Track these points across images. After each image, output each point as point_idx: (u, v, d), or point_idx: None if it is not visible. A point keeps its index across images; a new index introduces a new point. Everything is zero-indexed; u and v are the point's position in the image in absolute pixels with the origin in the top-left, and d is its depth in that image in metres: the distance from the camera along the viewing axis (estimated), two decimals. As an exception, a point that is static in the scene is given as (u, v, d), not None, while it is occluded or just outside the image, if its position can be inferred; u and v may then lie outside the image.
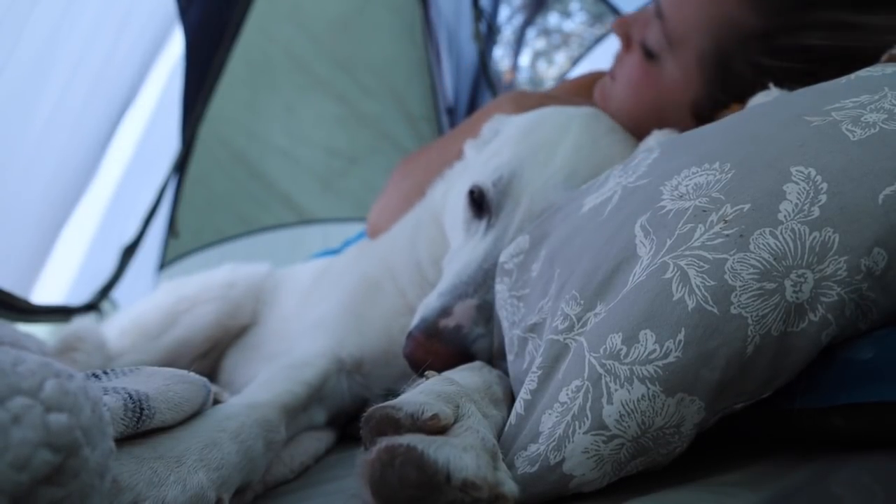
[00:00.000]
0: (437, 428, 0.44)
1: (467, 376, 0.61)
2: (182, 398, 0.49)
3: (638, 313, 0.48)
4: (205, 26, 2.12)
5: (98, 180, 1.82)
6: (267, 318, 1.24)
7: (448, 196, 0.95)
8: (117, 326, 1.22)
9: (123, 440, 0.44)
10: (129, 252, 2.03)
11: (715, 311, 0.46)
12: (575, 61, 2.59)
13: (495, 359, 0.70)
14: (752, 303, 0.45)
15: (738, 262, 0.46)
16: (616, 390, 0.46)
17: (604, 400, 0.46)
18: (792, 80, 0.72)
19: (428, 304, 0.74)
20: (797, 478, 0.44)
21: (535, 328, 0.61)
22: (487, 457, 0.42)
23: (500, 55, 2.82)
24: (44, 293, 1.68)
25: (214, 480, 0.47)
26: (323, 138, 2.44)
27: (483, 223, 0.81)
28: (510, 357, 0.64)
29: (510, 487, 0.41)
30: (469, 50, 2.58)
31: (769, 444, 0.52)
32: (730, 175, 0.52)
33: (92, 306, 1.88)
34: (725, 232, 0.48)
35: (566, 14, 2.83)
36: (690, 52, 0.86)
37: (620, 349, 0.47)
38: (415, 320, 0.74)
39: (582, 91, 1.24)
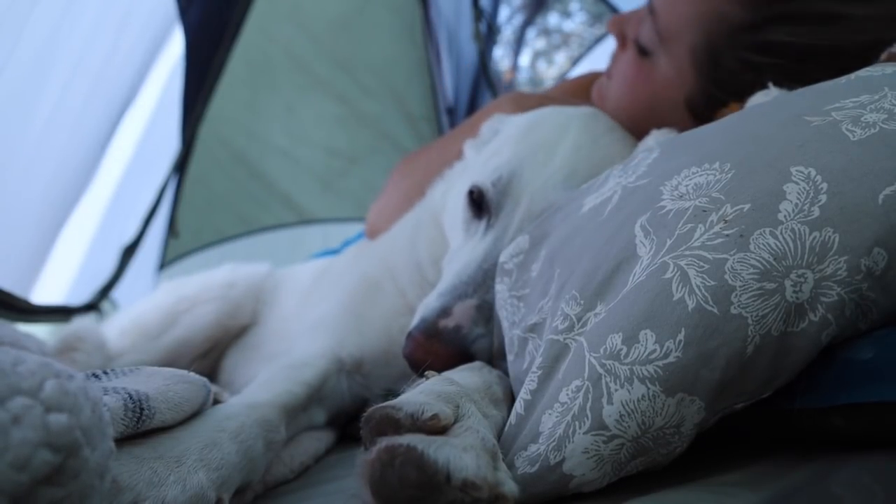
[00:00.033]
0: (437, 428, 0.44)
1: (467, 376, 0.61)
2: (182, 398, 0.49)
3: (638, 313, 0.48)
4: (205, 26, 2.12)
5: (98, 180, 1.82)
6: (267, 319, 1.24)
7: (448, 196, 0.95)
8: (117, 326, 1.22)
9: (123, 440, 0.44)
10: (129, 252, 2.03)
11: (715, 311, 0.46)
12: (575, 61, 2.60)
13: (495, 359, 0.70)
14: (753, 303, 0.45)
15: (738, 262, 0.46)
16: (616, 390, 0.46)
17: (604, 400, 0.46)
18: (781, 76, 0.73)
19: (427, 305, 0.74)
20: (797, 478, 0.44)
21: (535, 328, 0.61)
22: (487, 457, 0.42)
23: (500, 55, 2.82)
24: (44, 293, 1.68)
25: (214, 480, 0.47)
26: (323, 138, 2.44)
27: (483, 223, 0.81)
28: (510, 357, 0.64)
29: (510, 487, 0.41)
30: (469, 50, 2.58)
31: (769, 444, 0.52)
32: (730, 175, 0.52)
33: (92, 306, 1.88)
34: (725, 232, 0.48)
35: (566, 14, 2.83)
36: (682, 47, 0.86)
37: (620, 349, 0.47)
38: (414, 320, 0.74)
39: (581, 91, 1.24)
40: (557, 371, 0.52)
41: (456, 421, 0.46)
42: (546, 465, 0.47)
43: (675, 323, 0.46)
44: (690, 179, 0.54)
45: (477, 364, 0.67)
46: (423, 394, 0.47)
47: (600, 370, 0.48)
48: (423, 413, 0.44)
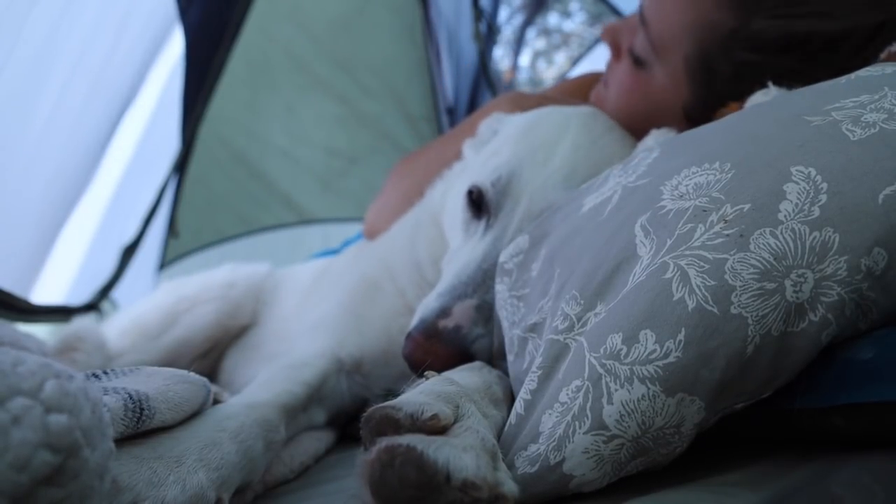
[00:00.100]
0: (436, 428, 0.44)
1: (467, 376, 0.61)
2: (182, 398, 0.49)
3: (638, 313, 0.48)
4: (205, 26, 2.12)
5: (98, 180, 1.82)
6: (267, 319, 1.24)
7: (447, 196, 0.95)
8: (117, 326, 1.22)
9: (123, 440, 0.44)
10: (129, 252, 2.03)
11: (715, 310, 0.46)
12: (575, 61, 2.60)
13: (495, 359, 0.70)
14: (753, 303, 0.45)
15: (738, 261, 0.46)
16: (616, 390, 0.46)
17: (604, 400, 0.46)
18: (773, 73, 0.73)
19: (427, 305, 0.74)
20: (797, 478, 0.44)
21: (535, 328, 0.61)
22: (487, 457, 0.42)
23: (500, 55, 2.82)
24: (44, 293, 1.68)
25: (214, 480, 0.47)
26: (323, 138, 2.44)
27: (482, 223, 0.81)
28: (510, 357, 0.64)
29: (510, 487, 0.41)
30: (469, 50, 2.58)
31: (769, 444, 0.52)
32: (730, 175, 0.52)
33: (92, 306, 1.88)
34: (726, 232, 0.48)
35: (566, 14, 2.83)
36: (676, 57, 0.86)
37: (620, 349, 0.47)
38: (414, 321, 0.74)
39: (580, 91, 1.24)
40: (557, 371, 0.52)
41: (456, 421, 0.46)
42: (546, 465, 0.47)
43: (675, 323, 0.46)
44: (690, 179, 0.54)
45: (477, 364, 0.67)
46: (423, 394, 0.47)
47: (600, 370, 0.48)
48: (422, 413, 0.44)
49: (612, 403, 0.46)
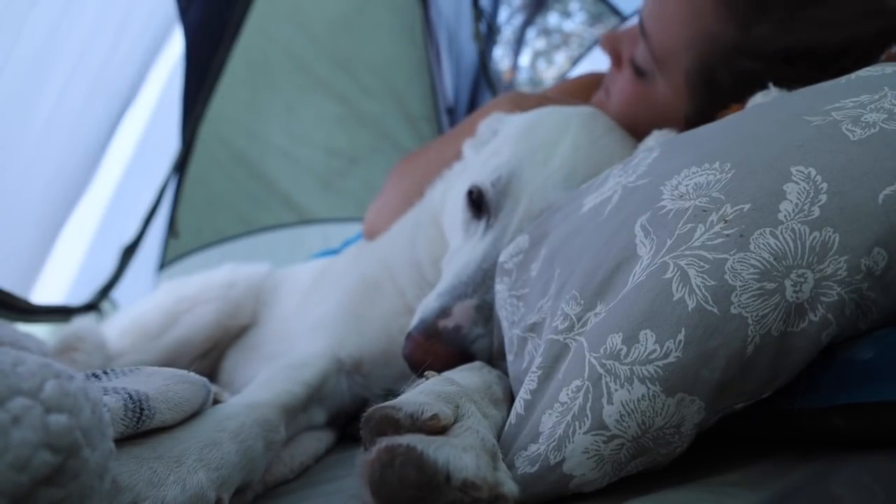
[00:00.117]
0: (436, 428, 0.44)
1: (467, 376, 0.61)
2: (182, 398, 0.49)
3: (638, 313, 0.48)
4: (205, 26, 2.12)
5: (98, 180, 1.82)
6: (267, 319, 1.24)
7: (447, 196, 0.95)
8: (117, 326, 1.22)
9: (123, 440, 0.44)
10: (129, 252, 2.04)
11: (715, 311, 0.46)
12: (575, 61, 2.60)
13: (495, 359, 0.70)
14: (753, 303, 0.45)
15: (738, 261, 0.46)
16: (616, 390, 0.46)
17: (604, 400, 0.46)
18: (775, 79, 0.73)
19: (427, 305, 0.74)
20: (797, 478, 0.44)
21: (534, 328, 0.61)
22: (487, 457, 0.42)
23: (500, 55, 2.82)
24: (44, 293, 1.68)
25: (214, 480, 0.47)
26: (323, 138, 2.44)
27: (482, 223, 0.81)
28: (510, 357, 0.64)
29: (510, 487, 0.41)
30: (469, 50, 2.58)
31: (769, 444, 0.52)
32: (730, 175, 0.52)
33: (92, 306, 1.88)
34: (726, 232, 0.48)
35: (566, 14, 2.83)
36: (678, 69, 0.85)
37: (621, 349, 0.47)
38: (414, 321, 0.74)
39: (580, 91, 1.24)
40: (557, 371, 0.52)
41: (456, 421, 0.46)
42: (546, 465, 0.47)
43: (675, 323, 0.46)
44: (690, 179, 0.54)
45: (477, 364, 0.67)
46: (423, 394, 0.47)
47: (600, 370, 0.48)
48: (422, 413, 0.44)
49: (612, 403, 0.46)
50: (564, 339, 0.54)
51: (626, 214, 0.56)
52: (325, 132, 2.44)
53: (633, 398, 0.45)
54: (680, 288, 0.47)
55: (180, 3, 1.89)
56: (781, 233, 0.47)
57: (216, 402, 0.57)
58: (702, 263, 0.47)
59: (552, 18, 2.87)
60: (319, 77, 2.37)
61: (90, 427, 0.35)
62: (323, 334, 0.93)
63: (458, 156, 1.04)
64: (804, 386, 0.47)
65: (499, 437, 0.53)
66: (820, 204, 0.47)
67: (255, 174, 2.41)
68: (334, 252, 1.60)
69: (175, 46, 2.01)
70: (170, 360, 1.15)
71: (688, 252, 0.49)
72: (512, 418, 0.54)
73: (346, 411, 0.88)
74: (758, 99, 0.71)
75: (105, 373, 0.49)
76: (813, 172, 0.49)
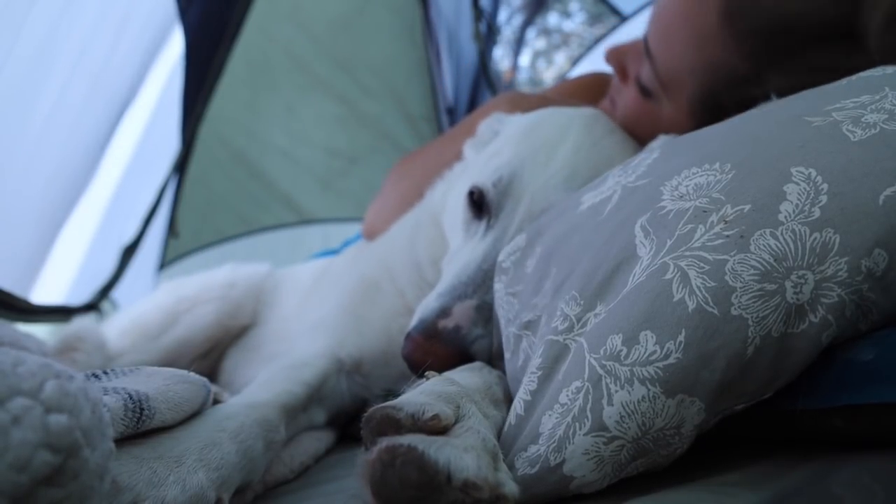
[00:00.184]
0: (437, 428, 0.44)
1: (467, 377, 0.61)
2: (182, 398, 0.49)
3: (638, 314, 0.48)
4: (205, 26, 2.12)
5: (98, 180, 1.82)
6: (267, 319, 1.24)
7: (448, 196, 0.95)
8: (117, 326, 1.22)
9: (123, 440, 0.44)
10: (129, 252, 2.04)
11: (715, 312, 0.46)
12: (575, 61, 2.60)
13: (495, 359, 0.70)
14: (753, 304, 0.45)
15: (738, 262, 0.46)
16: (616, 391, 0.46)
17: (604, 401, 0.46)
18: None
19: (427, 305, 0.74)
20: (797, 478, 0.44)
21: (529, 325, 0.61)
22: (488, 457, 0.42)
23: (500, 55, 2.82)
24: (44, 293, 1.68)
25: (214, 480, 0.47)
26: (323, 138, 2.44)
27: (483, 224, 0.81)
28: (507, 355, 0.64)
29: (511, 488, 0.41)
30: (469, 50, 2.58)
31: (769, 444, 0.52)
32: (730, 175, 0.52)
33: (92, 306, 1.88)
34: (726, 233, 0.48)
35: (566, 14, 2.83)
36: (683, 94, 0.85)
37: (621, 350, 0.47)
38: (413, 321, 0.74)
39: (580, 92, 1.24)
40: (557, 372, 0.52)
41: (457, 421, 0.46)
42: (546, 466, 0.47)
43: (675, 324, 0.46)
44: (691, 180, 0.54)
45: (477, 364, 0.67)
46: (424, 394, 0.47)
47: (600, 371, 0.48)
48: (423, 413, 0.43)
49: (613, 405, 0.46)
50: (564, 339, 0.54)
51: (625, 214, 0.56)
52: (325, 132, 2.44)
53: (634, 399, 0.45)
54: (680, 289, 0.47)
55: (180, 3, 1.89)
56: (782, 234, 0.47)
57: (216, 402, 0.57)
58: (702, 264, 0.47)
59: (552, 18, 2.87)
60: (319, 77, 2.37)
61: (90, 427, 0.35)
62: (323, 334, 0.93)
63: (457, 156, 1.04)
64: (804, 387, 0.47)
65: (498, 438, 0.53)
66: (820, 205, 0.47)
67: (255, 174, 2.41)
68: (334, 252, 1.60)
69: (175, 46, 2.01)
70: (170, 360, 1.15)
71: (688, 253, 0.49)
72: (511, 419, 0.54)
73: (346, 411, 0.88)
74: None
75: (105, 373, 0.49)
76: (813, 173, 0.49)
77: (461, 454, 0.40)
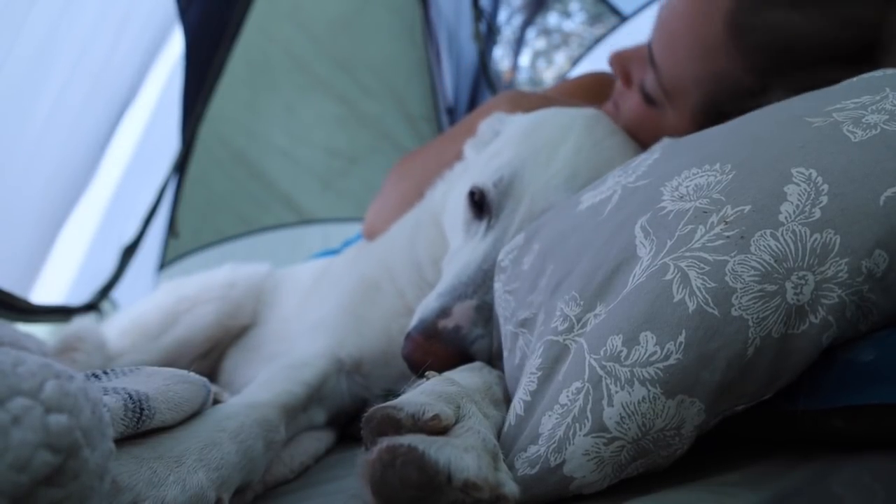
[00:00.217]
0: (438, 428, 0.44)
1: (467, 377, 0.61)
2: (182, 398, 0.49)
3: (638, 315, 0.48)
4: (205, 26, 2.12)
5: (98, 180, 1.82)
6: (267, 319, 1.24)
7: (448, 197, 0.95)
8: (117, 326, 1.22)
9: (123, 440, 0.44)
10: (129, 252, 2.04)
11: (716, 312, 0.46)
12: (575, 61, 2.60)
13: (495, 359, 0.70)
14: (753, 305, 0.45)
15: (738, 263, 0.46)
16: (616, 392, 0.46)
17: (604, 402, 0.46)
18: None
19: (427, 305, 0.74)
20: (797, 478, 0.44)
21: (525, 323, 0.61)
22: (489, 457, 0.42)
23: (500, 55, 2.82)
24: (44, 293, 1.68)
25: (214, 480, 0.47)
26: (323, 138, 2.44)
27: (483, 224, 0.81)
28: (505, 354, 0.64)
29: (511, 488, 0.41)
30: (469, 50, 2.58)
31: (769, 444, 0.52)
32: (730, 176, 0.52)
33: (92, 306, 1.88)
34: (726, 233, 0.48)
35: (566, 14, 2.83)
36: (687, 104, 0.84)
37: (621, 351, 0.47)
38: (413, 321, 0.74)
39: (580, 92, 1.24)
40: (557, 372, 0.52)
41: (457, 421, 0.46)
42: (546, 466, 0.47)
43: (675, 325, 0.46)
44: (691, 180, 0.54)
45: (477, 364, 0.67)
46: (424, 394, 0.47)
47: (600, 372, 0.48)
48: (424, 413, 0.43)
49: (613, 405, 0.46)
50: (564, 340, 0.54)
51: (625, 215, 0.56)
52: (325, 132, 2.44)
53: (634, 400, 0.45)
54: (680, 289, 0.47)
55: (180, 3, 1.89)
56: (782, 234, 0.47)
57: (216, 402, 0.57)
58: (702, 265, 0.47)
59: (552, 18, 2.87)
60: (319, 77, 2.37)
61: (90, 427, 0.35)
62: (323, 334, 0.93)
63: (457, 156, 1.04)
64: (805, 388, 0.47)
65: (498, 438, 0.53)
66: (821, 205, 0.47)
67: (255, 174, 2.42)
68: (334, 252, 1.60)
69: (175, 46, 2.01)
70: (170, 360, 1.15)
71: (688, 253, 0.49)
72: (511, 419, 0.54)
73: (346, 411, 0.88)
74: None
75: (105, 373, 0.49)
76: (814, 174, 0.49)
77: (461, 454, 0.40)
